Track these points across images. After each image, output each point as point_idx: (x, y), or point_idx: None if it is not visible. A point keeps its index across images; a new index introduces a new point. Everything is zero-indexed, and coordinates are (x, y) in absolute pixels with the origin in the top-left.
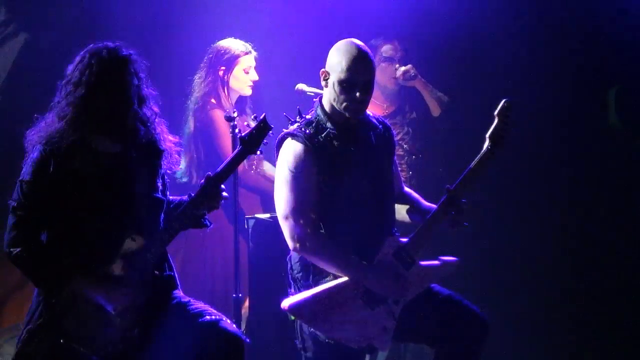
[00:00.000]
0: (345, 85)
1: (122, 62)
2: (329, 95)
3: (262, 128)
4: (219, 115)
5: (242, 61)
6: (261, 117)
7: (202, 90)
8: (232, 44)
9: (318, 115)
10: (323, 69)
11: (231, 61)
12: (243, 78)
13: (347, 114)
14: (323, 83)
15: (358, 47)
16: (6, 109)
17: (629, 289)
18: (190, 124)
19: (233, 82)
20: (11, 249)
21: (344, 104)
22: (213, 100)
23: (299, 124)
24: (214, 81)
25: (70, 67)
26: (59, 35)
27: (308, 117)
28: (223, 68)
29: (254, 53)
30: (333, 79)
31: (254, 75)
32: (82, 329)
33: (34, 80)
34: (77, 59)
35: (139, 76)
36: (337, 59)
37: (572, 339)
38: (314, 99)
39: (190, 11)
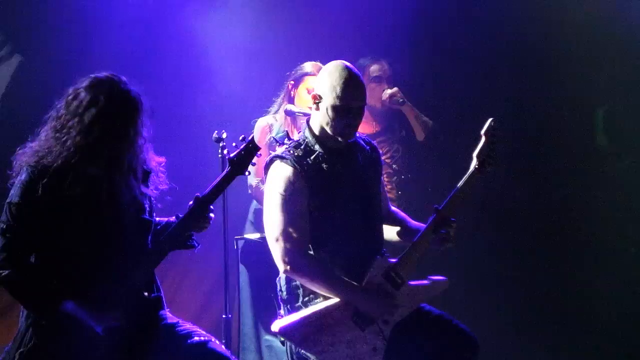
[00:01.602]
0: (340, 111)
1: (135, 112)
2: (320, 119)
3: (250, 149)
4: (259, 127)
5: (309, 80)
6: (249, 137)
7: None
8: (308, 64)
9: (306, 138)
10: (315, 93)
11: (299, 77)
12: (305, 97)
13: (339, 138)
14: (313, 106)
15: (351, 72)
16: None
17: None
18: None
19: (295, 98)
20: (0, 272)
21: (338, 129)
22: (275, 116)
23: (287, 146)
24: (283, 96)
25: (80, 95)
26: (54, 58)
27: (296, 138)
28: (292, 82)
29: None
30: (326, 103)
31: None
32: (72, 351)
33: (27, 105)
34: (88, 88)
35: (143, 119)
36: (330, 84)
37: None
38: (301, 121)
39: (181, 22)
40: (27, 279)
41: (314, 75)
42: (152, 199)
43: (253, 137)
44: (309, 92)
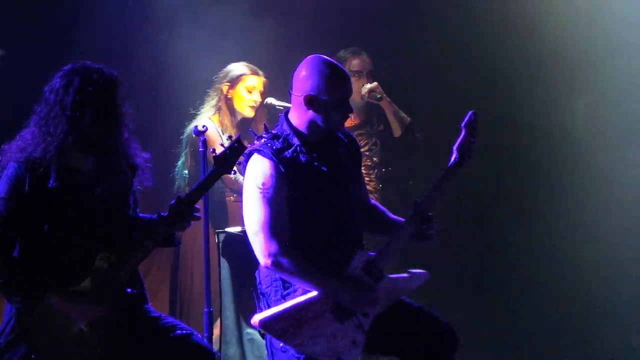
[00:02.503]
0: (338, 106)
1: (112, 86)
2: (310, 116)
3: (237, 148)
4: (211, 134)
5: (246, 80)
6: (235, 137)
7: (207, 113)
8: (240, 65)
9: (284, 131)
10: (307, 94)
11: (235, 78)
12: (245, 97)
13: (336, 130)
14: (305, 106)
15: (337, 65)
16: None
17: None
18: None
19: (235, 101)
20: None
21: (335, 123)
22: (213, 118)
23: (265, 139)
24: (218, 98)
25: (54, 85)
26: (36, 49)
27: (274, 132)
28: (227, 84)
29: (261, 77)
30: (324, 102)
31: (256, 97)
32: (54, 344)
33: (9, 97)
34: (61, 77)
35: (122, 98)
36: (327, 82)
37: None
38: (279, 114)
39: (165, 22)
40: (9, 273)
41: (249, 75)
42: (137, 194)
43: (239, 137)
44: (248, 91)
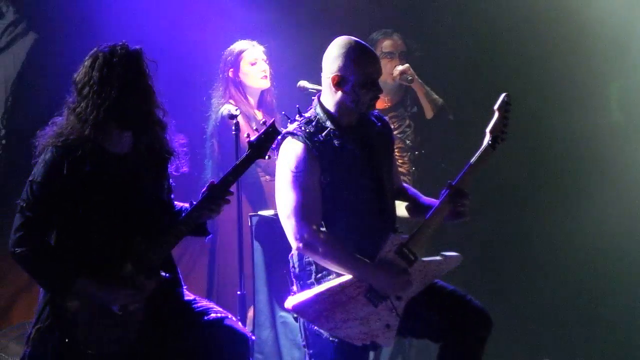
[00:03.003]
0: (368, 86)
1: (137, 57)
2: (340, 97)
3: (271, 133)
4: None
5: (246, 55)
6: (270, 121)
7: (220, 104)
8: (233, 45)
9: (317, 114)
10: (335, 74)
11: (235, 59)
12: (251, 71)
13: (367, 111)
14: (334, 88)
15: (365, 46)
16: (16, 108)
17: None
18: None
19: (245, 79)
20: (16, 249)
21: (365, 103)
22: (232, 102)
23: (298, 123)
24: (227, 87)
25: (84, 69)
26: (68, 35)
27: (307, 115)
28: (231, 69)
29: (258, 46)
30: (352, 82)
31: (263, 65)
32: (88, 329)
33: (44, 80)
34: (90, 59)
35: (149, 73)
36: (352, 62)
37: (570, 336)
38: (313, 97)
39: (194, 10)
40: (42, 258)
41: (246, 49)
42: (171, 181)
43: (274, 122)
44: (252, 64)
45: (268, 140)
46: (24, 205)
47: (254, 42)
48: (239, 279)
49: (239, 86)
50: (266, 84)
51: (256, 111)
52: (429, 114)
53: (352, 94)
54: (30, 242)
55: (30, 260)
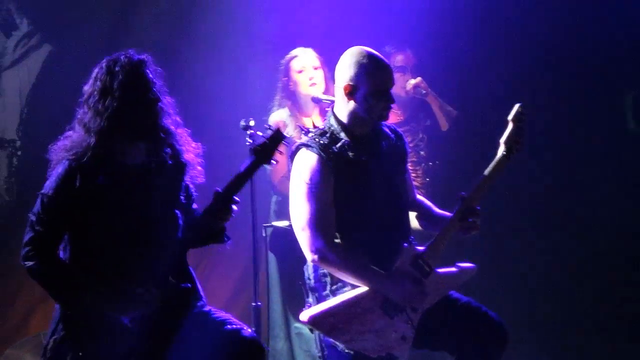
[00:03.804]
0: (381, 95)
1: (139, 65)
2: (353, 107)
3: (275, 138)
4: (275, 122)
5: (294, 63)
6: (274, 126)
7: (275, 109)
8: (289, 54)
9: (332, 125)
10: (347, 83)
11: (286, 67)
12: (299, 79)
13: (379, 121)
14: (346, 98)
15: (378, 56)
16: (30, 119)
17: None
18: None
19: (295, 87)
20: (26, 262)
21: (377, 113)
22: (285, 110)
23: (312, 134)
24: (282, 95)
25: (91, 81)
26: (83, 46)
27: (321, 126)
28: (284, 79)
29: (309, 52)
30: (364, 91)
31: (310, 72)
32: (99, 341)
33: (58, 91)
34: (96, 70)
35: (156, 80)
36: (365, 71)
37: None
38: (327, 108)
39: (213, 18)
40: (52, 271)
41: (294, 58)
42: (190, 189)
43: (278, 127)
44: (299, 72)
45: (273, 145)
46: (35, 219)
47: (307, 49)
48: (254, 290)
49: (292, 95)
50: (315, 90)
51: (319, 117)
52: (444, 126)
53: (364, 103)
54: (39, 256)
55: (41, 274)
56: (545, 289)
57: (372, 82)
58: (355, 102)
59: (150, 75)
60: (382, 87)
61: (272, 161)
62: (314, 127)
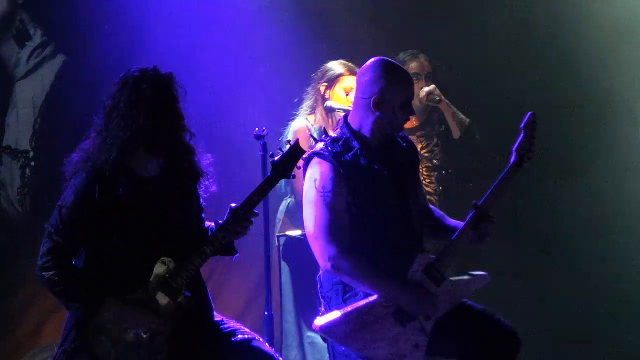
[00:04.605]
0: (404, 107)
1: (167, 83)
2: (378, 118)
3: (295, 152)
4: (298, 129)
5: (343, 80)
6: (293, 141)
7: (304, 113)
8: (337, 64)
9: (344, 134)
10: (377, 96)
11: (333, 79)
12: (342, 98)
13: (397, 132)
14: (373, 109)
15: (403, 68)
16: (45, 130)
17: None
18: None
19: (333, 100)
20: (43, 273)
21: (399, 124)
22: (310, 118)
23: (325, 143)
24: (315, 98)
25: (112, 91)
26: (96, 57)
27: (334, 135)
28: (325, 84)
29: (352, 77)
30: (393, 103)
31: (352, 97)
32: (113, 351)
33: (71, 102)
34: (119, 82)
35: (178, 97)
36: (395, 85)
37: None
38: (339, 118)
39: (227, 31)
40: (68, 282)
41: (347, 75)
42: (201, 201)
43: (297, 140)
44: (346, 92)
45: (292, 159)
46: (52, 230)
47: (357, 70)
48: (266, 299)
49: (325, 101)
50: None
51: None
52: (456, 134)
53: (391, 116)
54: (57, 267)
55: (57, 285)
56: (560, 299)
57: (402, 96)
58: (381, 112)
59: (174, 95)
60: (409, 99)
61: (292, 175)
62: (326, 135)
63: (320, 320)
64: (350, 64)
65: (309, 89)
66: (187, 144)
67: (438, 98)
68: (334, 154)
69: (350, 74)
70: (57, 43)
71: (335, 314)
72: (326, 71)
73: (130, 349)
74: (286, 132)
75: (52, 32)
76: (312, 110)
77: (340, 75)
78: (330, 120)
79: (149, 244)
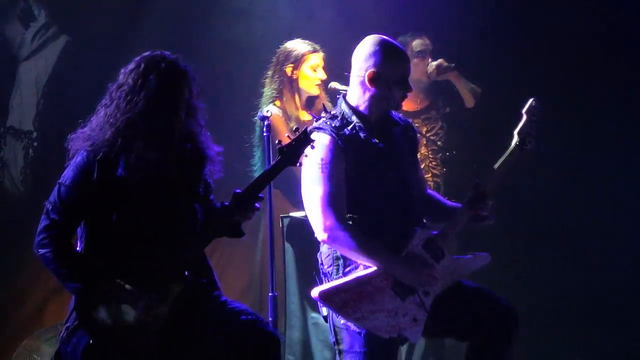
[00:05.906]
0: (401, 82)
1: (180, 77)
2: (375, 94)
3: (303, 140)
4: (276, 119)
5: (310, 59)
6: (303, 128)
7: (271, 98)
8: (299, 43)
9: (343, 110)
10: (372, 70)
11: (298, 59)
12: (310, 76)
13: (395, 109)
14: (368, 84)
15: (398, 44)
16: (48, 110)
17: None
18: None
19: (301, 81)
20: (39, 250)
21: (397, 100)
22: (277, 103)
23: (324, 119)
24: (281, 81)
25: (123, 73)
26: (100, 38)
27: (333, 112)
28: (291, 66)
29: (321, 52)
30: (388, 78)
31: (322, 74)
32: (113, 331)
33: (75, 83)
34: (132, 65)
35: (191, 90)
36: (390, 59)
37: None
38: (337, 95)
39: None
40: (65, 260)
41: (312, 53)
42: (209, 183)
43: (306, 129)
44: (313, 70)
45: (299, 147)
46: (50, 207)
47: (318, 47)
48: (270, 280)
49: (293, 83)
50: (317, 91)
51: (301, 111)
52: (469, 103)
53: (386, 91)
54: (52, 244)
55: (53, 263)
56: (558, 282)
57: (397, 70)
58: (377, 88)
59: (183, 89)
60: (405, 75)
61: (298, 163)
62: (325, 111)
63: (318, 288)
64: (310, 42)
65: (269, 73)
66: (190, 131)
67: (451, 65)
68: (333, 128)
69: (314, 52)
70: (61, 24)
71: (334, 282)
72: (289, 52)
73: (129, 329)
74: (261, 124)
75: (57, 13)
76: (279, 94)
77: (305, 53)
78: (299, 101)
79: (149, 224)
